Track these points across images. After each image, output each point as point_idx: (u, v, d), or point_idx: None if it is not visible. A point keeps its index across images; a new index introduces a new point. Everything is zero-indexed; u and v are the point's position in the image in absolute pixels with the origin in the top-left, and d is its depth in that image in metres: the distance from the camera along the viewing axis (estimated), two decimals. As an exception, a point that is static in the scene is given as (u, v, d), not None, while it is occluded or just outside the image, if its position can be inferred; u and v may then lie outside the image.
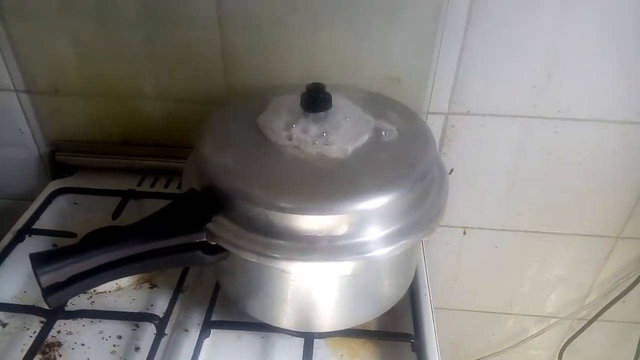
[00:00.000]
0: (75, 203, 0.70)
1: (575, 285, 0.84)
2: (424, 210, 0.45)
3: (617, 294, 0.81)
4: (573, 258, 0.80)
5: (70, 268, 0.41)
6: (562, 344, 0.90)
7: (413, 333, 0.53)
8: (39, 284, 0.40)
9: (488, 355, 0.94)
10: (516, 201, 0.74)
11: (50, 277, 0.40)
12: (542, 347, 0.93)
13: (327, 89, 0.46)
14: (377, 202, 0.41)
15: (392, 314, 0.53)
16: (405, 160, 0.45)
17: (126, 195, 0.68)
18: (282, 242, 0.41)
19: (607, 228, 0.76)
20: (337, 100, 0.47)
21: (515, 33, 0.59)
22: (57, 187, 0.71)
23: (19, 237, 0.63)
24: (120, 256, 0.42)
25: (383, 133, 0.46)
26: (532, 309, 0.88)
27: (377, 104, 0.49)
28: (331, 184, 0.42)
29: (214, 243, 0.43)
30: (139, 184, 0.71)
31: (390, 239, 0.42)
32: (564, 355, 0.90)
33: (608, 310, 0.83)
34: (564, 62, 0.60)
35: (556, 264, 0.81)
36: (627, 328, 0.88)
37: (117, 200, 0.67)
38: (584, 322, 0.86)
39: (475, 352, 0.95)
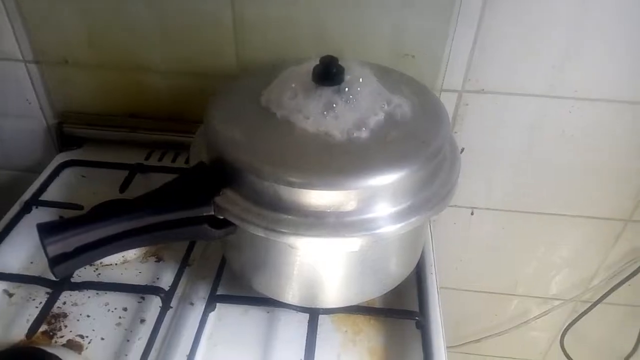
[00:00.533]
0: (82, 176, 0.70)
1: (581, 267, 0.84)
2: (434, 188, 0.44)
3: (623, 277, 0.80)
4: (581, 240, 0.80)
5: (77, 239, 0.41)
6: (565, 326, 0.90)
7: (418, 311, 0.53)
8: (46, 254, 0.40)
9: (490, 336, 0.94)
10: (526, 182, 0.73)
11: (57, 247, 0.40)
12: (544, 329, 0.93)
13: (340, 63, 0.45)
14: (387, 179, 0.41)
15: (397, 292, 0.53)
16: (418, 137, 0.44)
17: (133, 169, 0.68)
18: (290, 217, 0.41)
19: (617, 211, 0.75)
20: (350, 74, 0.45)
21: (535, 14, 0.57)
22: (64, 160, 0.70)
23: (26, 209, 0.63)
24: (127, 228, 0.42)
25: (396, 109, 0.45)
26: (536, 290, 0.88)
27: (391, 79, 0.48)
28: (341, 159, 0.41)
29: (221, 217, 0.43)
30: (147, 158, 0.71)
31: (400, 216, 0.42)
32: (565, 337, 0.90)
33: (612, 294, 0.82)
34: (583, 42, 0.59)
35: (563, 246, 0.81)
36: (631, 311, 0.88)
37: (124, 173, 0.67)
38: (587, 305, 0.86)
39: (477, 332, 0.95)
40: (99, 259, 0.45)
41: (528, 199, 0.75)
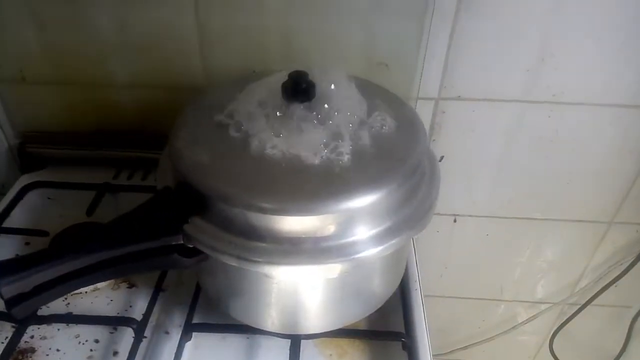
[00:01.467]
0: (48, 198, 0.66)
1: (567, 270, 0.83)
2: (414, 206, 0.42)
3: (610, 279, 0.80)
4: (565, 244, 0.79)
5: (35, 277, 0.38)
6: (553, 329, 0.89)
7: (404, 332, 0.51)
8: (1, 296, 0.37)
9: (478, 342, 0.93)
10: (508, 188, 0.72)
11: (13, 288, 0.37)
12: (533, 333, 0.93)
13: (311, 76, 0.43)
14: (364, 200, 0.39)
15: (383, 309, 0.51)
16: (394, 154, 0.42)
17: (101, 189, 0.65)
18: (263, 244, 0.38)
19: (600, 213, 0.75)
20: (321, 89, 0.43)
21: (509, 15, 0.56)
22: (28, 182, 0.67)
23: (-13, 237, 0.59)
24: (90, 262, 0.40)
25: (370, 125, 0.43)
26: (522, 295, 0.87)
27: (364, 92, 0.46)
28: (315, 181, 0.39)
29: (191, 246, 0.40)
30: (115, 177, 0.68)
31: (380, 238, 0.40)
32: (554, 340, 0.89)
33: (599, 296, 0.82)
34: (558, 45, 0.58)
35: (548, 250, 0.80)
36: (618, 312, 0.88)
37: (92, 194, 0.64)
38: (575, 308, 0.85)
39: (464, 339, 0.94)
40: (62, 295, 0.43)
41: (510, 205, 0.74)
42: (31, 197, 0.66)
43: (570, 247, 0.79)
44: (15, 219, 0.63)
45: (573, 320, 0.86)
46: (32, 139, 0.69)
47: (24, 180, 0.68)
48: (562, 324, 0.87)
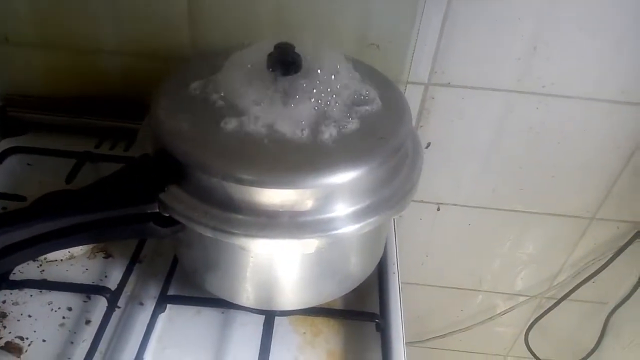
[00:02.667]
0: (28, 164, 0.65)
1: (546, 264, 0.83)
2: (395, 187, 0.42)
3: (588, 274, 0.80)
4: (546, 237, 0.79)
5: (8, 236, 0.37)
6: (530, 322, 0.90)
7: (378, 313, 0.51)
8: (-31, 254, 0.36)
9: (455, 331, 0.93)
10: (493, 178, 0.72)
11: (-19, 246, 0.36)
12: (509, 325, 0.94)
13: (298, 49, 0.42)
14: (344, 177, 0.38)
15: (359, 291, 0.51)
16: (378, 132, 0.42)
17: (82, 158, 0.64)
18: (240, 216, 0.38)
19: (583, 209, 0.75)
20: (308, 64, 0.43)
21: (504, 2, 0.55)
22: (8, 146, 0.66)
23: (-36, 200, 0.58)
24: (65, 225, 0.39)
25: (355, 103, 0.43)
26: (501, 286, 0.88)
27: (352, 70, 0.45)
28: (295, 155, 0.38)
29: (167, 215, 0.40)
30: (97, 146, 0.67)
31: (358, 216, 0.40)
32: (530, 333, 0.90)
33: (577, 290, 0.82)
34: (551, 36, 0.58)
35: (529, 242, 0.80)
36: (594, 308, 0.89)
37: (72, 162, 0.63)
38: (552, 302, 0.86)
39: (442, 328, 0.95)
40: (33, 258, 0.43)
41: (494, 195, 0.74)
42: (10, 162, 0.65)
43: (551, 240, 0.79)
44: (-7, 184, 0.62)
45: (549, 314, 0.87)
46: (13, 103, 0.67)
47: (4, 144, 0.66)
48: (538, 317, 0.88)
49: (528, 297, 0.88)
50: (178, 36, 0.60)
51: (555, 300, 0.85)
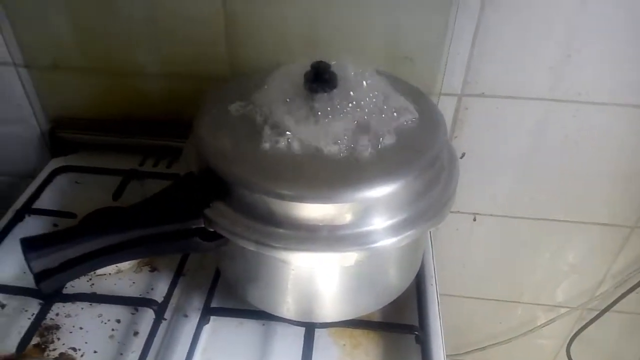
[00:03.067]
0: (76, 182, 0.68)
1: (587, 274, 0.82)
2: (431, 199, 0.42)
3: (631, 285, 0.78)
4: (587, 247, 0.78)
5: (62, 253, 0.40)
6: (572, 334, 0.88)
7: (417, 325, 0.51)
8: (30, 270, 0.39)
9: (494, 344, 0.92)
10: (530, 187, 0.71)
11: (42, 262, 0.39)
12: (550, 337, 0.92)
13: (333, 67, 0.44)
14: (381, 191, 0.39)
15: (397, 303, 0.51)
16: (413, 146, 0.42)
17: (128, 175, 0.66)
18: (281, 230, 0.39)
19: (624, 217, 0.73)
20: (343, 80, 0.44)
21: (535, 11, 0.56)
22: (58, 165, 0.69)
23: (18, 217, 0.62)
24: (115, 242, 0.41)
25: (390, 116, 0.43)
26: (542, 298, 0.86)
27: (386, 84, 0.46)
28: (333, 170, 0.40)
29: (211, 230, 0.41)
30: (141, 164, 0.70)
31: (396, 229, 0.40)
32: (572, 345, 0.88)
33: (620, 302, 0.80)
34: (584, 43, 0.57)
35: (569, 252, 0.79)
36: (638, 319, 0.86)
37: (118, 179, 0.66)
38: (594, 313, 0.84)
39: (481, 340, 0.93)
40: (87, 272, 0.45)
41: (532, 205, 0.73)
42: (60, 180, 0.68)
43: (592, 250, 0.78)
44: (45, 201, 0.65)
45: (592, 326, 0.84)
46: (62, 125, 0.71)
47: (54, 164, 0.70)
48: (580, 328, 0.86)
49: (569, 309, 0.86)
50: (215, 57, 0.62)
51: (598, 312, 0.83)
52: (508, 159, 0.68)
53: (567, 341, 0.88)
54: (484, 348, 0.93)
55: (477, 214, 0.75)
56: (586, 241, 0.77)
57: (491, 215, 0.75)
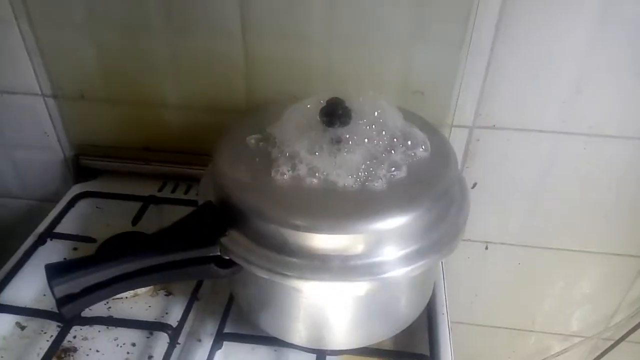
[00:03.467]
0: (97, 207, 0.70)
1: (601, 304, 0.81)
2: (442, 230, 0.43)
3: (646, 316, 0.78)
4: (600, 277, 0.77)
5: (84, 280, 0.41)
6: (587, 364, 0.87)
7: (429, 354, 0.51)
8: (53, 295, 0.40)
9: (508, 373, 0.91)
10: (541, 217, 0.71)
11: (64, 288, 0.40)
12: (565, 367, 0.90)
13: (347, 103, 0.45)
14: (393, 222, 0.40)
15: (409, 331, 0.51)
16: (425, 178, 0.44)
17: (147, 201, 0.68)
18: (294, 259, 0.40)
19: (637, 247, 0.73)
20: (357, 115, 0.46)
21: (546, 48, 0.57)
22: (80, 191, 0.71)
23: (40, 241, 0.64)
24: (135, 269, 0.42)
25: (402, 150, 0.45)
26: (555, 327, 0.85)
27: (398, 118, 0.48)
28: (346, 202, 0.41)
29: (227, 257, 0.43)
30: (160, 190, 0.72)
31: (407, 259, 0.41)
32: (587, 376, 0.87)
33: (635, 331, 0.79)
34: (595, 78, 0.58)
35: (582, 282, 0.78)
36: (655, 351, 0.85)
37: (138, 205, 0.68)
38: (609, 343, 0.83)
39: (494, 369, 0.92)
40: (107, 298, 0.46)
41: (544, 234, 0.73)
42: (81, 205, 0.70)
43: (606, 280, 0.77)
44: (66, 226, 0.67)
45: (607, 356, 0.83)
46: (85, 152, 0.73)
47: (76, 189, 0.72)
48: (595, 358, 0.85)
49: (583, 338, 0.85)
50: (235, 91, 0.64)
51: (613, 342, 0.82)
52: (519, 189, 0.69)
53: (582, 372, 0.88)
54: (496, 378, 0.92)
55: (489, 242, 0.75)
56: (600, 271, 0.76)
57: (502, 243, 0.75)
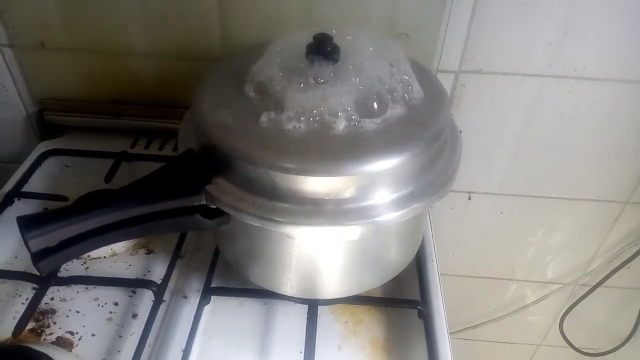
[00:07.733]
0: (66, 165, 0.67)
1: (579, 251, 0.83)
2: (435, 173, 0.42)
3: (622, 260, 0.80)
4: (579, 224, 0.79)
5: (60, 232, 0.38)
6: (563, 310, 0.89)
7: (420, 300, 0.51)
8: (28, 248, 0.37)
9: (487, 322, 0.93)
10: (525, 164, 0.71)
11: (40, 241, 0.38)
12: (542, 313, 0.93)
13: (335, 38, 0.43)
14: (387, 164, 0.39)
15: (398, 280, 0.51)
16: (418, 119, 0.42)
17: (119, 158, 0.65)
18: (286, 205, 0.39)
19: (616, 193, 0.74)
20: (346, 52, 0.43)
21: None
22: (46, 149, 0.68)
23: (7, 201, 0.60)
24: (114, 219, 0.40)
25: (393, 89, 0.43)
26: (534, 275, 0.87)
27: (389, 56, 0.45)
28: (338, 143, 0.39)
29: (213, 206, 0.41)
30: (132, 146, 0.68)
31: (401, 203, 0.40)
32: (564, 321, 0.89)
33: (611, 277, 0.82)
34: (582, 19, 0.57)
35: (561, 229, 0.80)
36: (630, 294, 0.88)
37: (109, 162, 0.64)
38: (586, 289, 0.85)
39: (474, 318, 0.94)
40: (85, 252, 0.44)
41: (526, 183, 0.73)
42: (49, 164, 0.67)
43: (584, 226, 0.79)
44: (34, 185, 0.63)
45: (584, 302, 0.86)
46: (50, 107, 0.69)
47: (42, 147, 0.68)
48: (572, 304, 0.87)
49: (561, 285, 0.87)
50: (209, 35, 0.60)
51: (590, 288, 0.84)
52: (504, 136, 0.68)
53: (560, 317, 0.90)
54: (476, 326, 0.94)
55: (472, 192, 0.75)
56: (578, 217, 0.78)
57: (486, 193, 0.75)
